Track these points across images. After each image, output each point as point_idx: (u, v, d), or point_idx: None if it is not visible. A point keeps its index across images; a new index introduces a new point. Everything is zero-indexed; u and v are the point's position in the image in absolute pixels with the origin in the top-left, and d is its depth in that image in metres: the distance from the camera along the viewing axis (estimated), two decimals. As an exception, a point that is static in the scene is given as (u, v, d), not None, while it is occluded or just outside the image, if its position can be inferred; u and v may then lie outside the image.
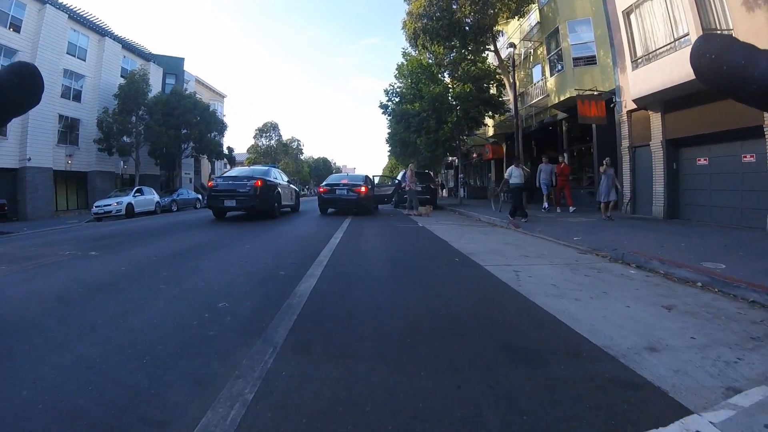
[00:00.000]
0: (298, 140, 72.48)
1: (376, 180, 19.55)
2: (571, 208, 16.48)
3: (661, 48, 13.13)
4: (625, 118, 15.42)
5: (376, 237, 10.21)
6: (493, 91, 22.33)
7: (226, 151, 41.13)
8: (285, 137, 70.49)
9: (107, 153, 30.92)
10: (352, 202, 15.72)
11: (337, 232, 10.71)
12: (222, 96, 55.23)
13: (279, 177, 16.79)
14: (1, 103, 1.49)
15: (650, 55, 13.69)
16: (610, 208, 13.27)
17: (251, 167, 18.33)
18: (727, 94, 1.51)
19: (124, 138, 31.37)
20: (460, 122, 22.46)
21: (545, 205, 16.36)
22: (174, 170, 38.20)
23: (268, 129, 66.43)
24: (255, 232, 10.89)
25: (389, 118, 26.02)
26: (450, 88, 22.66)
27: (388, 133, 37.47)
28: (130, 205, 22.34)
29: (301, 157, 77.36)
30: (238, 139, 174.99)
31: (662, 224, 11.90)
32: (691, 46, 1.56)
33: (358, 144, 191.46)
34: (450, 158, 41.27)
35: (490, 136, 28.42)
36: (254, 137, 66.71)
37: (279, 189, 15.62)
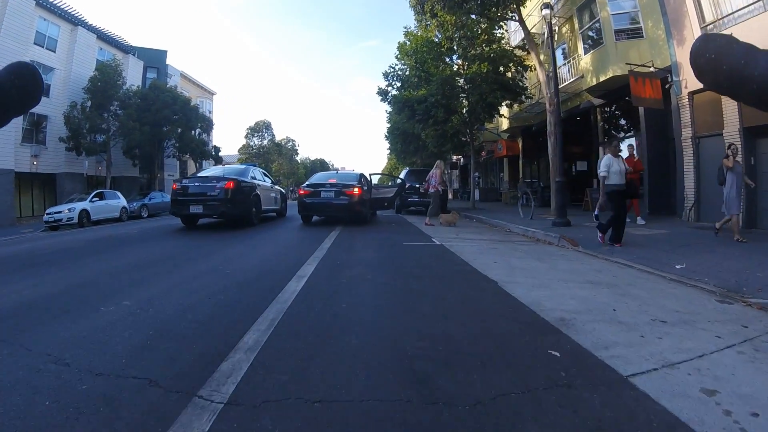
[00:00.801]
0: (293, 140, 69.74)
1: (375, 180, 16.09)
2: (640, 220, 11.93)
3: (741, 9, 10.15)
4: (685, 101, 12.33)
5: (372, 270, 6.20)
6: (511, 74, 19.09)
7: (212, 151, 38.01)
8: (279, 137, 67.70)
9: (75, 152, 28.01)
10: (342, 208, 12.41)
11: (311, 258, 7.21)
12: (211, 93, 52.46)
13: (260, 177, 14.35)
14: (1, 104, 1.04)
15: (725, 20, 10.75)
16: (738, 222, 8.80)
17: (225, 167, 15.13)
18: (728, 94, 0.82)
19: (94, 136, 28.69)
20: (474, 110, 19.15)
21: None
22: (155, 172, 35.16)
23: (261, 128, 63.35)
24: (207, 249, 8.46)
25: (389, 106, 22.62)
26: (461, 70, 19.25)
27: (388, 128, 34.36)
28: (85, 212, 19.07)
29: (297, 158, 74.60)
30: (229, 138, 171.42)
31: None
32: None
33: (357, 145, 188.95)
34: (455, 157, 38.25)
35: (503, 131, 25.29)
36: (246, 137, 63.80)
37: (258, 191, 13.19)
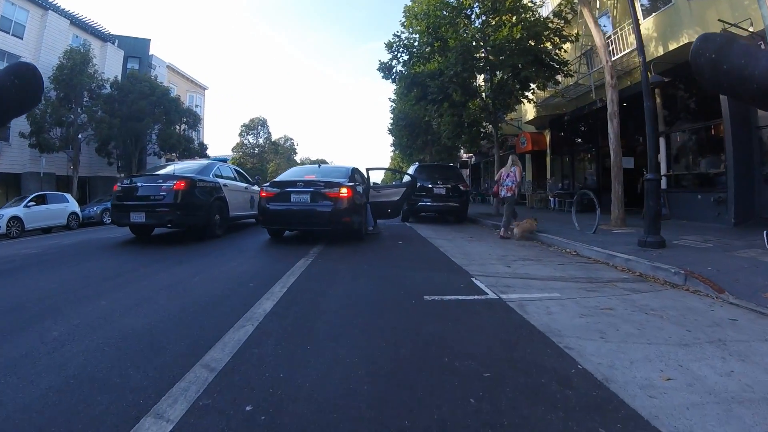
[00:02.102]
0: (292, 139, 66.21)
1: (375, 177, 12.02)
2: None
3: None
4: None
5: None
6: (547, 46, 15.31)
7: (198, 148, 34.75)
8: (277, 136, 64.30)
9: (38, 149, 24.79)
10: (323, 219, 8.39)
11: (247, 324, 3.58)
12: (202, 88, 49.09)
13: (229, 176, 11.37)
14: (1, 104, 1.28)
15: None
16: None
17: (187, 163, 11.77)
18: (728, 94, 1.45)
19: (59, 131, 25.47)
20: (501, 89, 15.48)
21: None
22: (135, 171, 31.93)
23: (256, 125, 59.95)
24: (113, 281, 5.42)
25: (394, 87, 19.04)
26: (487, 36, 14.92)
27: (392, 119, 30.69)
28: (16, 220, 15.61)
29: (296, 158, 71.38)
30: (223, 137, 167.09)
31: None
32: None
33: (361, 145, 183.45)
34: (465, 155, 34.75)
35: (528, 121, 21.72)
36: (240, 134, 60.36)
37: (224, 194, 10.32)
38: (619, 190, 10.88)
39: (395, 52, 15.76)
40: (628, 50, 13.43)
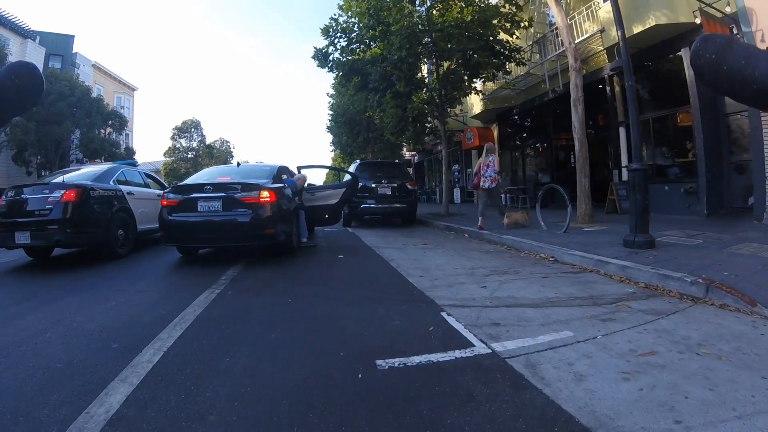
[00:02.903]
0: (228, 142, 62.37)
1: (310, 176, 9.57)
2: None
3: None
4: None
5: None
6: (497, 32, 14.09)
7: (125, 153, 32.04)
8: (212, 139, 60.69)
9: None
10: (238, 231, 6.76)
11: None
12: (132, 89, 46.04)
13: (138, 182, 9.66)
14: (1, 104, 1.29)
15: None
16: None
17: (89, 168, 9.86)
18: (728, 95, 1.39)
19: None
20: (450, 77, 14.23)
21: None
22: (58, 181, 29.13)
23: (189, 128, 56.13)
24: None
25: (333, 77, 17.33)
26: (433, 20, 13.42)
27: (330, 116, 28.95)
28: None
29: (232, 161, 68.19)
30: (155, 141, 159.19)
31: None
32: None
33: (301, 147, 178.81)
34: (408, 153, 33.57)
35: (474, 115, 20.55)
36: (172, 138, 56.15)
37: (130, 204, 8.65)
38: (586, 184, 9.85)
39: (332, 38, 14.01)
40: (592, 33, 12.46)
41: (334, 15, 13.98)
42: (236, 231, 6.65)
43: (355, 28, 13.88)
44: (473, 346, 3.08)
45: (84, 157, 28.87)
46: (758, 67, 1.19)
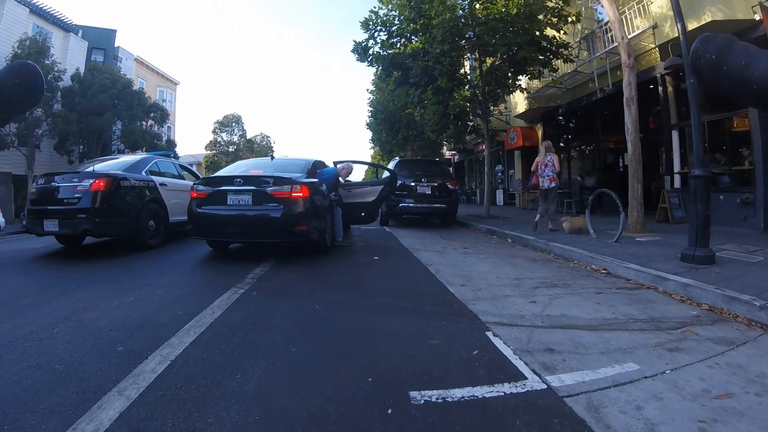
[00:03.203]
0: (268, 137, 62.60)
1: (347, 172, 8.89)
2: None
3: None
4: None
5: None
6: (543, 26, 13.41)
7: (166, 145, 32.44)
8: (253, 133, 61.15)
9: None
10: (269, 227, 6.34)
11: None
12: (174, 83, 46.62)
13: (171, 173, 9.52)
14: (2, 104, 1.33)
15: None
16: None
17: (119, 158, 9.72)
18: (728, 94, 1.40)
19: (12, 126, 23.35)
20: (494, 73, 13.67)
21: None
22: (98, 170, 29.79)
23: (230, 122, 56.61)
24: None
25: (373, 71, 16.93)
26: (476, 13, 12.66)
27: (370, 112, 28.50)
28: None
29: (273, 156, 68.66)
30: (196, 134, 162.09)
31: None
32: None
33: (340, 143, 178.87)
34: (448, 153, 32.90)
35: (518, 114, 19.77)
36: (213, 132, 56.70)
37: (163, 195, 8.51)
38: (639, 190, 9.14)
39: (372, 31, 13.57)
40: (643, 29, 11.70)
41: (374, 8, 13.54)
42: (266, 227, 6.28)
43: (396, 21, 13.36)
44: (525, 378, 2.59)
45: (125, 147, 29.31)
46: (758, 68, 1.18)
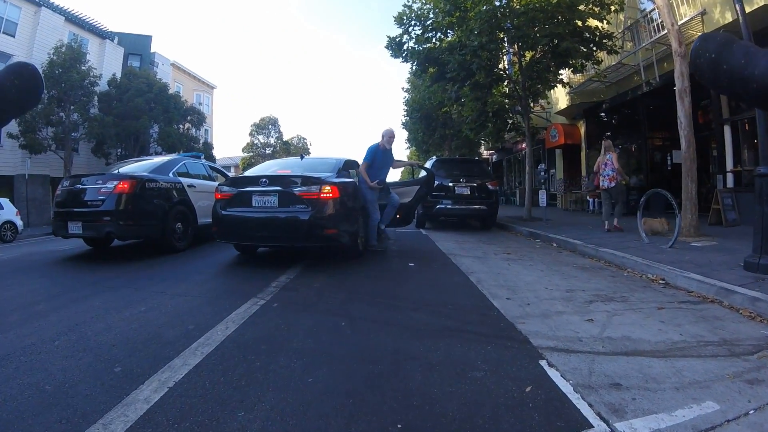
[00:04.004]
0: (304, 139, 62.82)
1: (390, 138, 7.70)
2: None
3: None
4: None
5: None
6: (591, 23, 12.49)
7: (203, 148, 32.71)
8: (289, 135, 61.47)
9: (29, 150, 23.26)
10: (296, 230, 5.92)
11: None
12: (210, 87, 47.20)
13: (200, 174, 9.31)
14: (1, 104, 1.31)
15: None
16: None
17: (147, 160, 9.51)
18: (728, 93, 1.12)
19: (50, 130, 23.95)
20: (535, 67, 13.07)
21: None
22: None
23: (267, 125, 56.99)
24: None
25: (408, 70, 16.63)
26: (514, 6, 12.06)
27: (405, 110, 27.97)
28: None
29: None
30: (233, 137, 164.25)
31: None
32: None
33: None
34: (486, 152, 32.15)
35: (559, 111, 19.07)
36: (250, 134, 57.27)
37: (191, 197, 8.31)
38: (693, 190, 8.40)
39: (406, 26, 13.08)
40: (692, 15, 10.93)
41: (408, 2, 13.11)
42: (293, 230, 5.85)
43: (430, 15, 12.90)
44: (590, 427, 2.05)
45: (162, 150, 29.73)
46: (757, 66, 1.17)
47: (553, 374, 2.59)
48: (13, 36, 24.30)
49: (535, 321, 3.62)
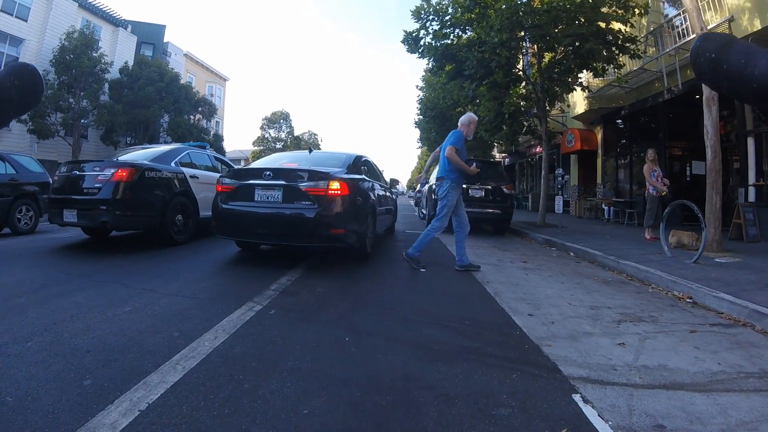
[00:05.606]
0: (315, 134, 62.43)
1: (471, 124, 6.52)
2: None
3: None
4: None
5: None
6: (614, 26, 11.86)
7: (213, 140, 32.50)
8: (300, 131, 61.26)
9: (37, 135, 23.39)
10: (301, 228, 5.49)
11: None
12: (223, 79, 47.12)
13: (208, 164, 9.16)
14: (2, 104, 1.04)
15: None
16: None
17: (150, 148, 9.15)
18: (728, 93, 1.05)
19: (59, 116, 23.93)
20: (556, 66, 12.56)
21: None
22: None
23: (278, 119, 56.91)
24: None
25: (423, 68, 16.27)
26: (534, 5, 11.58)
27: (419, 109, 27.36)
28: None
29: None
30: (245, 130, 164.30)
31: None
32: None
33: (388, 143, 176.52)
34: (498, 155, 31.63)
35: (577, 115, 18.54)
36: (261, 128, 57.14)
37: (193, 188, 8.03)
38: (717, 203, 7.99)
39: (424, 20, 12.60)
40: (718, 22, 10.49)
41: None
42: (297, 228, 5.45)
43: (449, 10, 12.47)
44: None
45: (172, 140, 29.57)
46: (758, 66, 0.94)
47: (590, 413, 2.22)
48: (26, 21, 24.46)
49: (562, 343, 3.23)
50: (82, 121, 25.02)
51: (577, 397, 2.38)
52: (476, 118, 6.55)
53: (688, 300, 4.79)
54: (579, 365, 2.83)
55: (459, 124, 6.37)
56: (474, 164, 6.14)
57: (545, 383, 2.54)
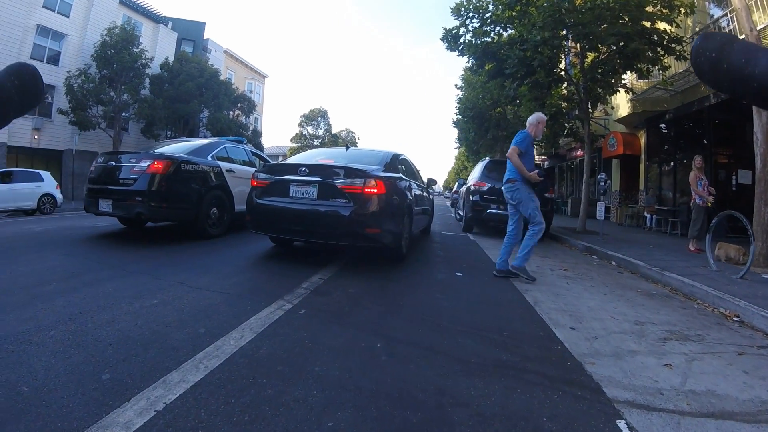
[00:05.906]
0: (353, 132, 62.81)
1: (538, 123, 6.09)
2: None
3: None
4: None
5: None
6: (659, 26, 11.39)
7: (252, 135, 32.87)
8: (338, 128, 61.93)
9: (78, 127, 24.01)
10: (336, 226, 5.33)
11: None
12: (262, 76, 47.71)
13: (246, 159, 9.28)
14: (2, 105, 1.15)
15: None
16: None
17: (187, 141, 9.17)
18: (728, 93, 1.20)
19: (100, 108, 24.51)
20: (600, 66, 12.17)
21: None
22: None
23: (316, 116, 57.65)
24: None
25: (462, 68, 16.11)
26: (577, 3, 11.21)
27: (458, 109, 26.90)
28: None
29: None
30: (283, 126, 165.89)
31: None
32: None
33: (425, 142, 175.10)
34: (539, 158, 31.01)
35: (620, 119, 18.01)
36: (299, 125, 57.91)
37: (229, 182, 8.08)
38: (766, 214, 7.52)
39: (464, 17, 12.31)
40: (762, 25, 9.96)
41: None
42: (331, 226, 5.32)
43: (489, 7, 12.18)
44: None
45: (211, 135, 30.06)
46: (759, 65, 1.07)
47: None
48: (67, 17, 25.05)
49: (606, 362, 2.99)
50: (123, 114, 25.62)
51: (622, 424, 2.17)
52: (545, 118, 6.20)
53: (735, 318, 4.48)
54: (624, 387, 2.61)
55: (527, 123, 6.08)
56: (537, 171, 5.77)
57: (588, 406, 2.34)
